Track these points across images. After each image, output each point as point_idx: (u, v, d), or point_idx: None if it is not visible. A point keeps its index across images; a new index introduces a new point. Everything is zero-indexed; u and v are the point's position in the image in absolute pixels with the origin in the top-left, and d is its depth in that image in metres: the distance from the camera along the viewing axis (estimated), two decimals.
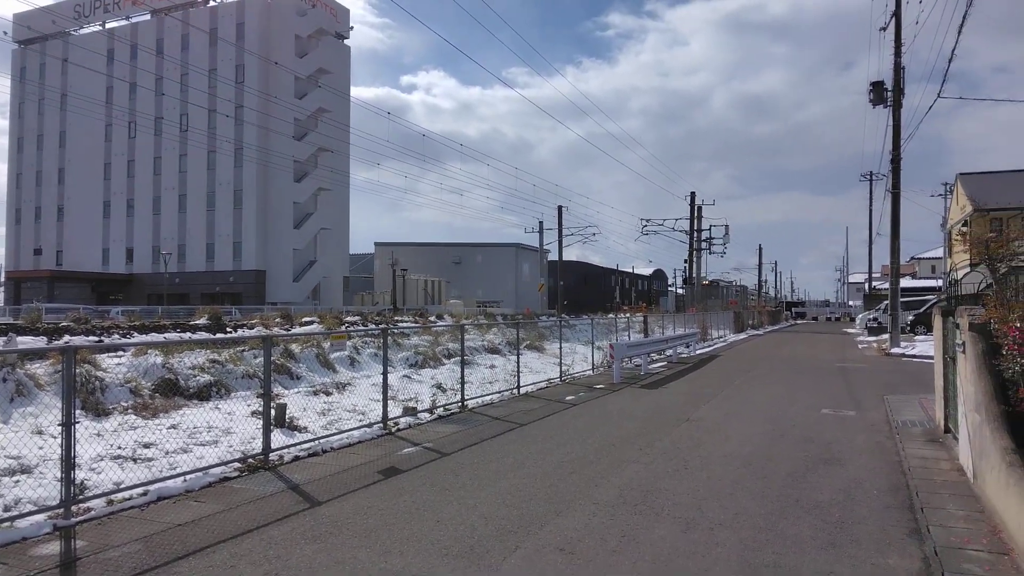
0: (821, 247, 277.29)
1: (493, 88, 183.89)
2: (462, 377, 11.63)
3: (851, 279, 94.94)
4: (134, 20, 65.39)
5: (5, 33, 60.51)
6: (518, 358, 14.25)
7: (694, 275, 41.54)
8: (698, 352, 24.53)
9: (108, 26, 66.32)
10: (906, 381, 15.32)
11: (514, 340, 18.02)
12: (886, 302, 29.92)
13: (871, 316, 38.66)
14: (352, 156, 63.30)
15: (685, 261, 44.74)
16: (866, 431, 9.39)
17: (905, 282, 39.30)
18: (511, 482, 6.66)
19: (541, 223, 45.00)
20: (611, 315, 29.28)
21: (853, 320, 62.10)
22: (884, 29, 25.75)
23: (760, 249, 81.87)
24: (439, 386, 13.06)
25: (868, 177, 53.41)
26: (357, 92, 67.53)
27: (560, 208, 50.13)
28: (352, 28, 69.55)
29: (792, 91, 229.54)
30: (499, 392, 12.90)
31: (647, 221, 43.37)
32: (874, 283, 59.33)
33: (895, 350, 23.81)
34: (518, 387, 13.35)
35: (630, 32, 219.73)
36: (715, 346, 29.07)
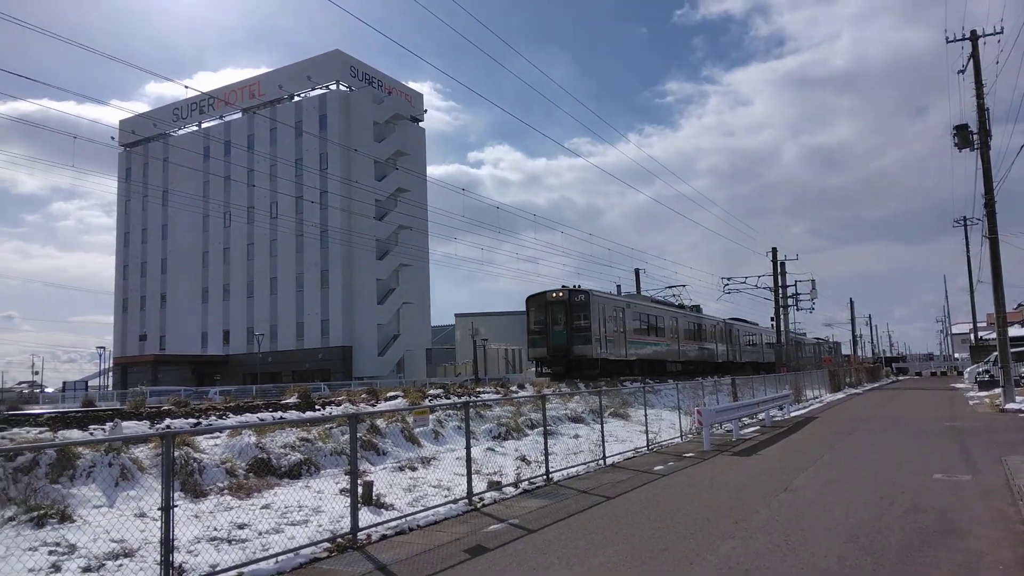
0: (915, 298, 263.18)
1: (558, 158, 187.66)
2: (545, 449, 11.46)
3: (954, 330, 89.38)
4: (227, 119, 70.53)
5: (112, 138, 66.28)
6: (602, 427, 13.96)
7: (782, 333, 40.03)
8: (792, 414, 23.41)
9: (204, 126, 71.80)
10: None
11: (597, 408, 17.73)
12: (995, 353, 27.95)
13: (981, 369, 36.11)
14: (430, 232, 65.25)
15: (772, 319, 43.28)
16: (984, 497, 8.65)
17: (1014, 331, 36.67)
18: (601, 560, 6.43)
19: (619, 287, 44.71)
20: (697, 378, 28.50)
21: (960, 374, 58.16)
22: (962, 72, 24.97)
23: (851, 303, 78.56)
24: (523, 458, 12.90)
25: (962, 222, 50.80)
26: (430, 171, 70.13)
27: (637, 271, 49.81)
28: (426, 111, 72.92)
29: (863, 141, 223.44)
30: (584, 463, 12.62)
31: (728, 280, 42.51)
32: (980, 333, 55.64)
33: (1010, 405, 22.06)
34: (603, 457, 13.04)
35: (689, 97, 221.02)
36: (811, 407, 27.71)
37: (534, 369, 30.41)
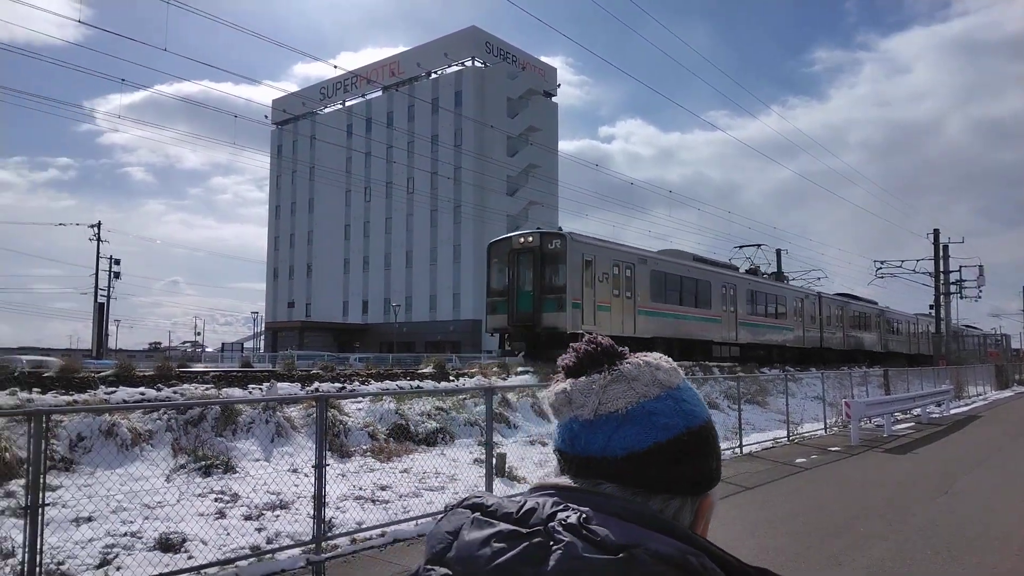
0: None
1: (693, 132, 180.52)
2: None
3: None
4: (368, 97, 73.53)
5: (265, 117, 70.96)
6: (739, 415, 13.43)
7: (942, 323, 36.86)
8: (952, 412, 21.53)
9: (347, 104, 75.28)
10: None
11: (732, 393, 17.08)
12: None
13: None
14: (560, 208, 65.25)
15: (931, 307, 39.83)
16: None
17: None
18: (739, 555, 6.17)
19: (758, 268, 42.76)
20: (843, 367, 26.77)
21: None
22: None
23: None
24: None
25: None
26: (561, 146, 69.97)
27: (779, 251, 47.38)
28: (559, 85, 72.62)
29: None
30: None
31: (881, 263, 39.40)
32: None
33: None
34: (740, 446, 12.56)
35: (840, 66, 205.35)
36: (973, 405, 25.38)
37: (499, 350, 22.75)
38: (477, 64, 66.01)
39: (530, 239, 20.20)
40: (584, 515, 0.74)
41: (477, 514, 0.78)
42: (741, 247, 36.13)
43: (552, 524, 0.74)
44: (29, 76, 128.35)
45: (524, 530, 0.74)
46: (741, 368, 22.54)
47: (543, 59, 73.18)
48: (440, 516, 0.81)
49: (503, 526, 0.75)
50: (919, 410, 18.47)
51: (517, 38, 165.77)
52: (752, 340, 28.80)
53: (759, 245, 35.56)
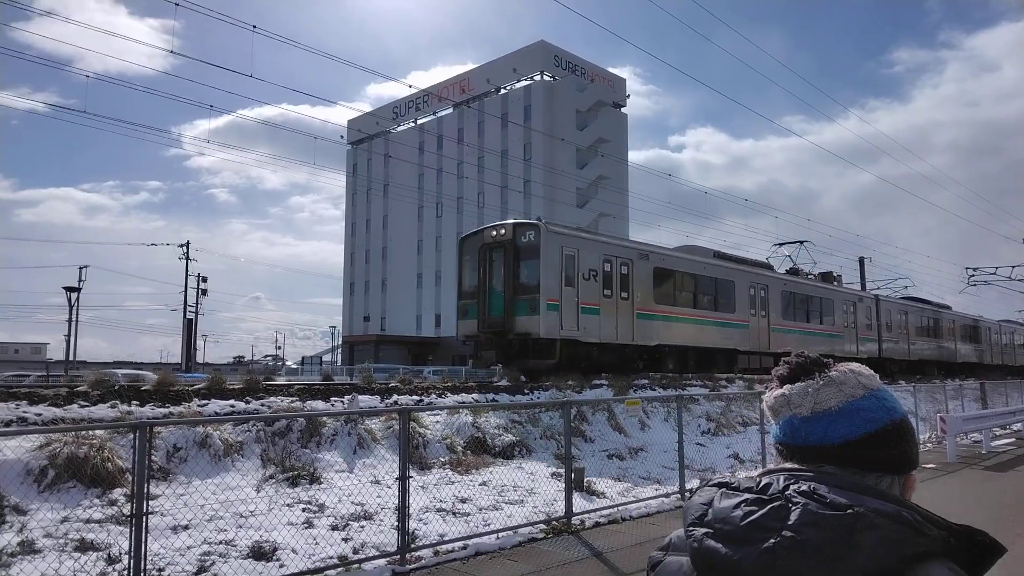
0: None
1: (766, 139, 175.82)
2: (763, 447, 10.86)
3: None
4: (439, 115, 74.89)
5: (341, 137, 73.17)
6: None
7: None
8: None
9: (419, 122, 76.88)
10: None
11: None
12: None
13: None
14: (631, 219, 64.68)
15: (1020, 312, 37.41)
16: None
17: None
18: None
19: (839, 276, 41.20)
20: (935, 380, 25.43)
21: None
22: None
23: None
24: (736, 456, 12.34)
25: None
26: (631, 157, 69.45)
27: (861, 259, 45.62)
28: (628, 96, 72.20)
29: None
30: None
31: (974, 270, 37.33)
32: None
33: None
34: None
35: (923, 65, 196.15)
36: None
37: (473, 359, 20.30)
38: (546, 78, 66.37)
39: (502, 231, 17.84)
40: (813, 485, 0.96)
41: (723, 489, 1.01)
42: (781, 244, 32.29)
43: (787, 492, 0.96)
44: (122, 104, 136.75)
45: (765, 497, 0.96)
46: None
47: (611, 70, 73.04)
48: (691, 493, 1.08)
49: (748, 495, 0.98)
50: (1019, 425, 17.36)
51: (585, 50, 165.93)
52: (789, 349, 25.77)
53: (802, 242, 31.86)
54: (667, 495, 9.11)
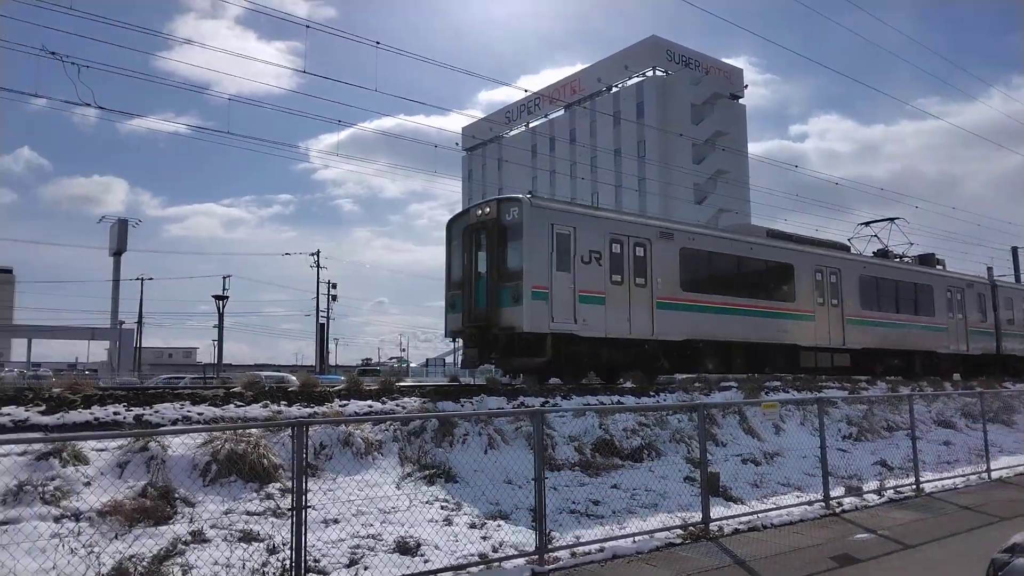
0: None
1: (899, 123, 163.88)
2: (915, 455, 10.12)
3: None
4: (551, 116, 75.18)
5: (456, 144, 75.00)
6: (985, 435, 11.89)
7: None
8: None
9: (531, 125, 77.51)
10: None
11: (969, 411, 15.31)
12: None
13: None
14: (753, 213, 62.24)
15: None
16: None
17: None
18: None
19: (990, 269, 37.89)
20: None
21: None
22: None
23: None
24: (883, 463, 11.58)
25: None
26: (750, 149, 66.79)
27: (1015, 249, 41.74)
28: (746, 87, 69.62)
29: None
30: (962, 475, 10.90)
31: None
32: None
33: None
34: (988, 470, 11.12)
35: None
36: None
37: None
38: (659, 73, 65.19)
39: (487, 209, 15.42)
40: None
41: None
42: (868, 223, 27.75)
43: None
44: (254, 123, 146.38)
45: None
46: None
47: (726, 61, 70.73)
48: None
49: None
50: None
51: (698, 42, 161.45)
52: (871, 345, 21.95)
53: (893, 219, 27.39)
54: (810, 503, 8.68)
